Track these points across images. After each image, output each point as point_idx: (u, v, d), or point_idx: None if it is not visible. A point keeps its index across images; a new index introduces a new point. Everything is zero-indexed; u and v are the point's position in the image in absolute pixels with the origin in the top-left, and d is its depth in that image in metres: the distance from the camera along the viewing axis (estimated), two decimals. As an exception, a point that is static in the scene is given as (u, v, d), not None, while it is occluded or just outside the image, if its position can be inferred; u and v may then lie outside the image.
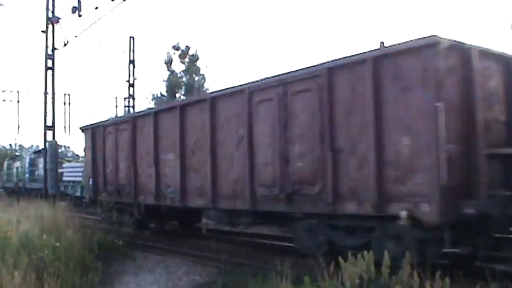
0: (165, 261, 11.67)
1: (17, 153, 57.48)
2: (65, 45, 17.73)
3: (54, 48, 17.76)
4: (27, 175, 37.93)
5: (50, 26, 17.77)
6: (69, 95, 45.68)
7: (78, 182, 30.39)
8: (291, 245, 12.93)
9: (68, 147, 56.42)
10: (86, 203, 19.74)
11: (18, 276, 6.53)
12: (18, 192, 35.12)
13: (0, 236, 8.68)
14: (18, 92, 39.63)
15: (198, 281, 9.79)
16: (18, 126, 38.41)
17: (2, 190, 47.49)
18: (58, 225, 11.03)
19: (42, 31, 17.72)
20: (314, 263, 7.50)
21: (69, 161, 35.94)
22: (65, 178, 32.31)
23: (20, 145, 73.83)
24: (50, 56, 17.64)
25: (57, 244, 9.45)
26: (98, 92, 63.35)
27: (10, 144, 75.56)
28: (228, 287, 8.70)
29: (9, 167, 45.60)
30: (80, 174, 30.97)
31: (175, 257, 12.11)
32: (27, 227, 9.43)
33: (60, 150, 31.93)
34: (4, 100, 41.45)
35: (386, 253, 5.26)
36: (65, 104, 44.93)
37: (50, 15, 17.69)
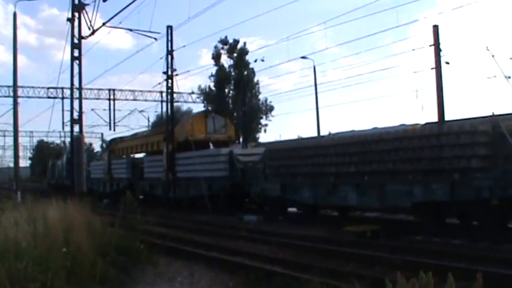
0: (189, 268, 10.32)
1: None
2: (92, 33, 16.69)
3: (80, 37, 16.72)
4: (64, 173, 39.37)
5: (76, 14, 16.76)
6: (113, 90, 45.44)
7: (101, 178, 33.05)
8: (334, 248, 11.49)
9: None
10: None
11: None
12: (56, 189, 36.44)
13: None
14: (62, 88, 39.38)
15: (221, 294, 8.36)
16: (63, 123, 38.07)
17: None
18: (70, 226, 9.79)
19: (68, 19, 16.73)
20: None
21: (97, 160, 37.19)
22: (92, 175, 33.23)
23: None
24: (76, 45, 16.62)
25: (64, 250, 8.26)
26: (142, 85, 62.69)
27: (63, 142, 76.23)
28: (252, 304, 7.21)
29: (53, 165, 47.65)
30: (102, 172, 33.05)
31: (202, 262, 10.73)
32: (22, 230, 8.19)
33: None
34: (49, 97, 41.44)
35: (450, 276, 3.63)
36: (109, 99, 44.67)
37: (76, 1, 16.66)
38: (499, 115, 15.17)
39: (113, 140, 35.99)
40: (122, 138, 35.24)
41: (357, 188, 15.12)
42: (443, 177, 12.80)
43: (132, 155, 32.24)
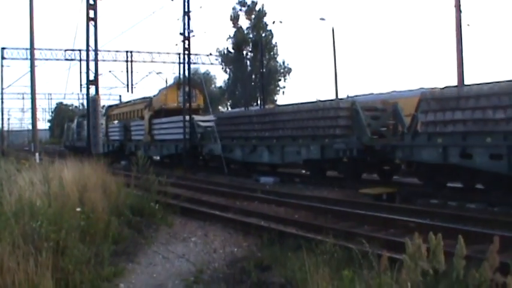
0: (204, 228, 10.36)
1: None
2: (108, -7, 16.44)
3: (96, -3, 16.52)
4: (75, 135, 42.64)
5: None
6: (131, 52, 45.28)
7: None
8: (349, 210, 11.44)
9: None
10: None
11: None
12: (70, 150, 39.33)
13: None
14: (80, 51, 39.30)
15: (234, 254, 8.35)
16: (81, 85, 38.07)
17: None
18: (85, 187, 9.83)
19: (83, -22, 16.54)
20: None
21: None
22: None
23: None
24: (91, 6, 16.44)
25: (78, 209, 8.28)
26: (160, 48, 62.02)
27: (81, 104, 76.57)
28: (264, 265, 7.20)
29: (68, 128, 49.46)
30: (102, 134, 34.51)
31: (217, 223, 10.77)
32: (37, 189, 8.23)
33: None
34: (67, 59, 41.44)
35: (460, 238, 3.55)
36: (127, 61, 44.56)
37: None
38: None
39: (109, 106, 41.18)
40: (116, 105, 40.62)
41: (268, 149, 19.88)
42: (318, 142, 17.29)
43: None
